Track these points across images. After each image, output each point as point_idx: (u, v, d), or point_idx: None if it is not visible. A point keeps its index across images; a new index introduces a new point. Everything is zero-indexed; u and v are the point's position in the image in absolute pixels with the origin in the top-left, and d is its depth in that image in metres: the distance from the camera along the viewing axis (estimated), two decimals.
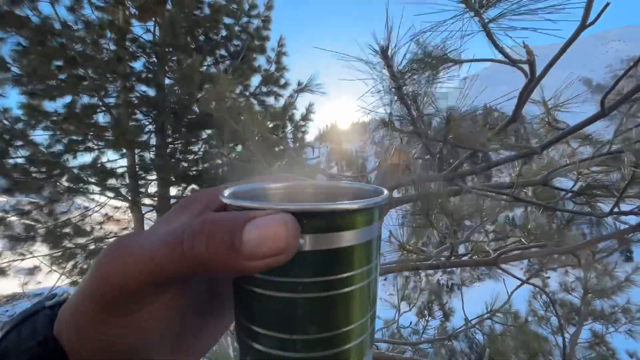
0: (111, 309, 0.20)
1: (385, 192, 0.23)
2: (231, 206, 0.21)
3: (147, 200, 5.77)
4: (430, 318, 4.27)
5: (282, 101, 6.11)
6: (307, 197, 0.29)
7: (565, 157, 1.71)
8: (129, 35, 5.14)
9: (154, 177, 5.69)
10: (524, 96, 0.91)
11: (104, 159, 5.47)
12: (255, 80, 6.19)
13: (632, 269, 3.71)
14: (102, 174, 5.21)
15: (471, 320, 2.65)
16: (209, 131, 5.44)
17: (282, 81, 6.10)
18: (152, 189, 5.76)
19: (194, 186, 5.74)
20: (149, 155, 5.66)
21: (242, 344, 0.22)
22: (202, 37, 5.87)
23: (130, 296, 0.20)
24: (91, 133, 5.13)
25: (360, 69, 0.88)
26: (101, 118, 5.18)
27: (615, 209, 1.10)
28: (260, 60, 6.01)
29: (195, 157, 5.67)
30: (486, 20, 0.73)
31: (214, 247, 0.18)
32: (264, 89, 6.16)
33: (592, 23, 0.78)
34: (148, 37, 5.42)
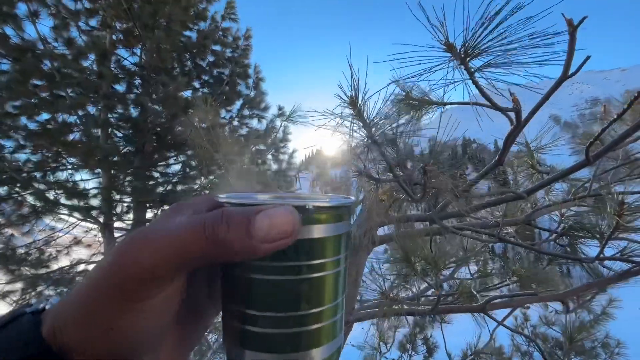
0: (133, 291, 0.21)
1: (353, 198, 0.28)
2: (231, 204, 0.24)
3: (120, 224, 5.47)
4: (413, 353, 4.11)
5: (264, 123, 6.18)
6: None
7: (545, 197, 1.73)
8: (114, 58, 5.10)
9: (130, 199, 5.45)
10: (509, 141, 0.90)
11: (77, 178, 5.22)
12: (239, 104, 6.30)
13: (607, 301, 3.75)
14: (73, 194, 4.93)
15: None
16: (190, 153, 5.34)
17: (263, 105, 6.22)
18: (126, 211, 5.47)
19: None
20: (127, 176, 5.44)
21: (233, 331, 0.24)
22: (189, 62, 5.92)
23: (152, 280, 0.21)
24: (64, 151, 4.91)
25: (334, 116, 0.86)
26: (77, 136, 4.99)
27: (601, 255, 1.09)
28: (241, 86, 6.15)
29: (174, 180, 5.50)
30: (472, 70, 0.72)
31: (233, 232, 0.21)
32: (247, 112, 6.20)
33: (574, 74, 0.79)
34: (134, 59, 5.40)
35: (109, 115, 5.08)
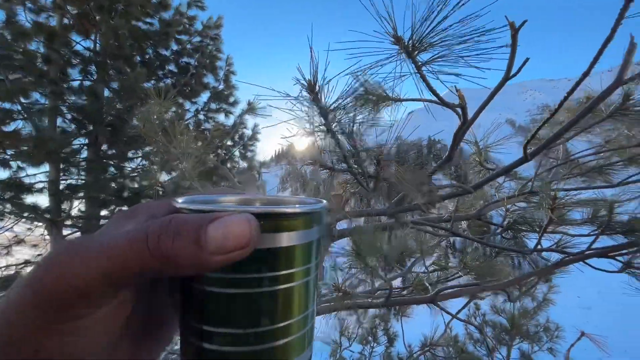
0: (61, 313, 0.19)
1: (325, 202, 0.26)
2: (187, 210, 0.22)
3: (70, 221, 5.05)
4: (375, 344, 4.22)
5: (232, 118, 6.00)
6: (254, 206, 0.32)
7: (496, 193, 1.84)
8: (65, 42, 4.68)
9: (81, 195, 5.05)
10: (458, 137, 0.94)
11: (21, 173, 4.74)
12: (206, 96, 6.07)
13: (547, 288, 4.10)
14: (17, 188, 4.47)
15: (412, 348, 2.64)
16: (150, 148, 5.05)
17: (232, 99, 6.03)
18: (77, 208, 5.07)
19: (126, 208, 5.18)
20: (78, 170, 5.04)
21: (190, 347, 0.22)
22: (150, 51, 5.59)
23: (85, 298, 0.19)
24: (6, 142, 4.43)
25: (291, 103, 0.84)
26: (20, 126, 4.52)
27: (538, 246, 1.18)
28: (210, 78, 5.91)
29: (132, 175, 5.18)
30: (419, 63, 0.74)
31: (180, 243, 0.19)
32: (214, 106, 5.99)
33: (515, 75, 0.84)
34: (89, 44, 4.99)
35: (58, 104, 4.66)
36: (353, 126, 0.85)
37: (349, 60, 0.73)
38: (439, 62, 0.73)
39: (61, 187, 4.80)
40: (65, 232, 5.01)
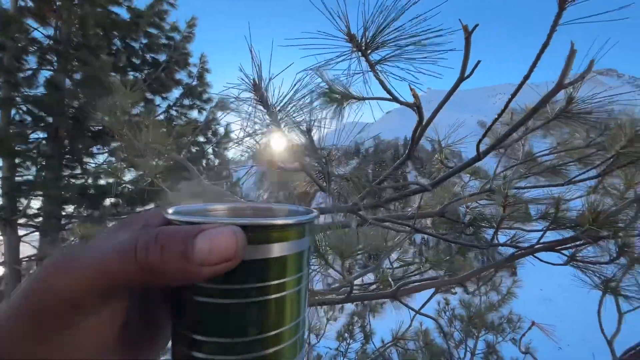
0: (51, 323, 0.19)
1: (315, 211, 0.26)
2: (177, 222, 0.22)
3: (26, 220, 4.71)
4: (351, 341, 4.27)
5: (205, 115, 5.86)
6: (244, 216, 0.31)
7: (461, 191, 1.91)
8: (22, 28, 4.34)
9: (40, 193, 4.72)
10: (417, 136, 0.97)
11: None
12: (179, 92, 5.89)
13: (511, 282, 4.34)
14: None
15: (381, 346, 2.70)
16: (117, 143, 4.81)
17: (206, 96, 5.88)
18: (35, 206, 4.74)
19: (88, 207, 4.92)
20: (36, 166, 4.71)
21: (180, 355, 0.22)
22: (118, 42, 5.32)
23: (73, 308, 0.19)
24: None
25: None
26: None
27: (494, 241, 1.23)
28: (182, 75, 5.74)
29: (97, 172, 4.91)
30: (372, 62, 0.75)
31: (168, 256, 0.19)
32: (187, 102, 5.81)
33: (469, 76, 0.87)
34: (49, 32, 4.67)
35: (12, 94, 4.33)
36: (311, 124, 0.84)
37: (305, 59, 0.73)
38: (392, 61, 0.74)
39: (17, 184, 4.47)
40: (21, 232, 4.68)
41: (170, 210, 0.24)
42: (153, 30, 5.32)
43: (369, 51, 0.73)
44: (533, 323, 2.15)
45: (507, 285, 4.46)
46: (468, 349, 4.35)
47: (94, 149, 5.21)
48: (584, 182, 1.52)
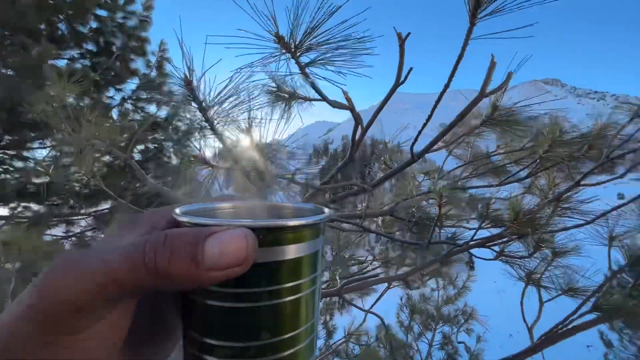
0: (56, 327, 0.19)
1: (326, 210, 0.25)
2: (186, 223, 0.22)
3: None
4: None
5: (166, 110, 5.54)
6: (255, 216, 0.31)
7: (414, 190, 2.00)
8: None
9: None
10: (357, 139, 0.99)
11: None
12: (134, 83, 5.51)
13: (467, 277, 4.64)
14: None
15: (333, 343, 2.76)
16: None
17: (166, 88, 5.57)
18: None
19: (33, 205, 4.50)
20: None
21: (191, 358, 0.22)
22: (63, 25, 4.88)
23: (79, 312, 0.19)
24: None
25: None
26: None
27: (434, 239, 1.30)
28: (140, 64, 5.37)
29: (38, 167, 4.48)
30: (303, 64, 0.76)
31: (176, 260, 0.19)
32: (145, 95, 5.47)
33: (403, 82, 0.91)
34: None
35: None
36: (250, 122, 0.83)
37: (240, 58, 0.71)
38: (321, 64, 0.75)
39: None
40: None
41: (178, 211, 0.23)
42: (103, 13, 4.94)
43: (298, 53, 0.74)
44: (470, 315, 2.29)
45: (463, 280, 4.75)
46: (427, 341, 4.57)
47: (37, 143, 4.76)
48: (519, 182, 1.65)
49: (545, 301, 1.22)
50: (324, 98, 0.82)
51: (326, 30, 0.68)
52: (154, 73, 5.70)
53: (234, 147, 0.82)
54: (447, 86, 0.76)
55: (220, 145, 0.85)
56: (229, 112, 0.80)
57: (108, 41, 5.29)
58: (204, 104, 0.80)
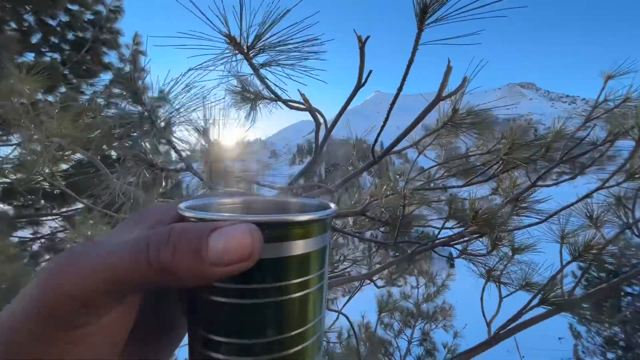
0: (61, 322, 0.18)
1: (333, 205, 0.25)
2: (191, 218, 0.21)
3: None
4: None
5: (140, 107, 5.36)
6: (258, 210, 0.30)
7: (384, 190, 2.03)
8: None
9: None
10: (321, 140, 1.00)
11: None
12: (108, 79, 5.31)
13: (446, 275, 4.76)
14: None
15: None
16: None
17: (140, 83, 5.36)
18: None
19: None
20: None
21: (197, 356, 0.22)
22: (31, 18, 4.65)
23: (84, 307, 0.18)
24: None
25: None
26: None
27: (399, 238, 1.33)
28: (113, 57, 5.17)
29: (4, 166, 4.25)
30: (257, 65, 0.76)
31: (180, 255, 0.18)
32: (117, 90, 5.26)
33: (364, 84, 0.92)
34: None
35: None
36: (207, 122, 0.82)
37: (193, 59, 0.70)
38: (276, 65, 0.75)
39: None
40: None
41: (183, 205, 0.23)
42: (74, 7, 4.74)
43: (251, 54, 0.74)
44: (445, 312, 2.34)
45: (442, 278, 4.87)
46: (406, 338, 4.66)
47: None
48: (485, 182, 1.71)
49: (505, 296, 1.28)
50: (279, 99, 0.82)
51: (279, 32, 0.68)
52: (127, 67, 5.50)
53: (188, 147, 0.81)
54: (400, 89, 0.78)
55: (168, 146, 0.84)
56: (179, 111, 0.78)
57: (80, 35, 5.07)
58: (146, 101, 0.78)
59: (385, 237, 1.77)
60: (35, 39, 4.71)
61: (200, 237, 0.19)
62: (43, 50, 4.90)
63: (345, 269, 1.71)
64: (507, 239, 1.20)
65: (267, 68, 0.75)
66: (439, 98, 0.86)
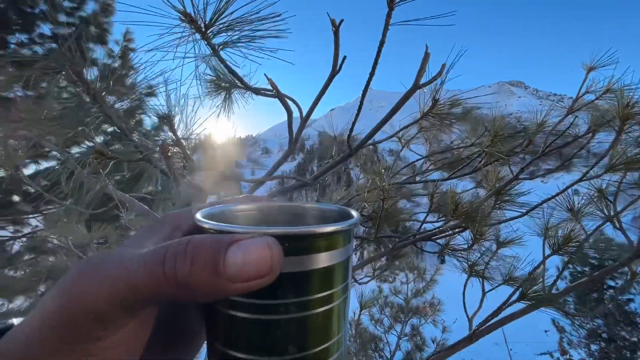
0: (77, 335, 0.18)
1: (355, 212, 0.25)
2: (208, 229, 0.21)
3: None
4: None
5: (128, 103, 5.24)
6: (277, 218, 0.29)
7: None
8: None
9: None
10: (297, 130, 0.95)
11: None
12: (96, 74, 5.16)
13: (435, 270, 4.80)
14: None
15: None
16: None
17: (130, 81, 5.24)
18: None
19: None
20: None
21: None
22: (8, 8, 4.48)
23: (99, 321, 0.18)
24: None
25: None
26: None
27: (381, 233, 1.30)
28: (100, 53, 5.04)
29: None
30: (215, 45, 0.71)
31: (197, 269, 0.18)
32: (103, 85, 5.13)
33: (338, 72, 0.88)
34: None
35: None
36: (172, 110, 0.77)
37: (150, 38, 0.65)
38: (235, 46, 0.71)
39: None
40: None
41: (199, 215, 0.22)
42: None
43: (210, 34, 0.69)
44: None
45: (431, 273, 4.91)
46: (396, 334, 4.69)
47: None
48: (470, 177, 1.69)
49: (488, 291, 1.26)
50: (243, 84, 0.77)
51: (239, 8, 0.64)
52: (116, 64, 5.37)
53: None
54: (372, 74, 0.74)
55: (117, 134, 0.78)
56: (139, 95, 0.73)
57: (67, 25, 4.91)
58: (92, 84, 0.73)
59: (368, 233, 1.74)
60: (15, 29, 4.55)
61: (218, 250, 0.18)
62: (23, 41, 4.74)
63: None
64: (492, 233, 1.18)
65: (228, 48, 0.71)
66: (416, 86, 0.83)
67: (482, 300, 1.26)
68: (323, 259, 0.20)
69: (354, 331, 4.24)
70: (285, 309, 0.19)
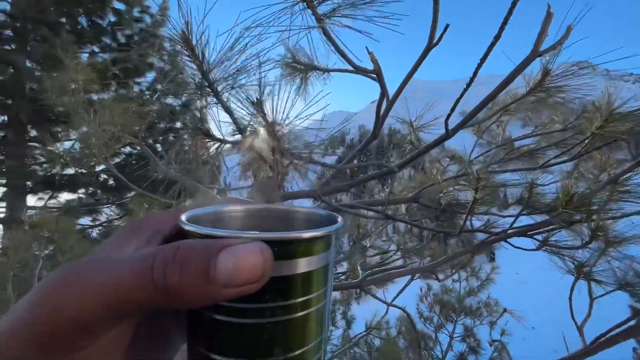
0: (55, 345, 0.18)
1: (340, 218, 0.25)
2: (194, 234, 0.21)
3: None
4: (333, 328, 4.32)
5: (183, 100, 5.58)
6: (265, 222, 0.30)
7: (438, 175, 1.85)
8: None
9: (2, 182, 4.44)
10: (383, 112, 0.87)
11: None
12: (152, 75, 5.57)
13: (490, 268, 4.47)
14: None
15: (354, 337, 2.71)
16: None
17: (179, 81, 5.57)
18: None
19: (66, 195, 4.68)
20: None
21: None
22: (84, 21, 4.96)
23: (82, 330, 0.18)
24: None
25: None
26: None
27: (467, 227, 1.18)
28: (154, 59, 5.43)
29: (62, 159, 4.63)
30: (320, 14, 0.64)
31: (188, 276, 0.18)
32: (160, 87, 5.52)
33: (437, 43, 0.78)
34: (3, 6, 4.27)
35: None
36: (262, 92, 0.73)
37: (247, 12, 0.61)
38: (343, 13, 0.64)
39: None
40: None
41: (184, 218, 0.22)
42: (121, 7, 4.96)
43: (315, 2, 0.63)
44: (505, 310, 2.18)
45: (486, 272, 4.60)
46: (447, 333, 4.47)
47: (61, 134, 4.91)
48: (558, 165, 1.48)
49: (597, 297, 1.08)
50: (347, 59, 0.71)
51: None
52: (168, 67, 5.72)
53: (246, 124, 0.73)
54: (483, 60, 0.63)
55: (226, 115, 0.76)
56: (235, 75, 0.70)
57: (128, 34, 5.33)
58: (204, 65, 0.71)
59: (441, 226, 1.61)
60: (88, 40, 5.02)
61: (208, 257, 0.18)
62: (95, 51, 5.23)
63: (397, 259, 1.59)
64: (607, 229, 1.00)
65: (334, 17, 0.64)
66: (535, 53, 0.70)
67: (590, 307, 1.08)
68: (304, 264, 0.20)
69: (403, 328, 4.12)
70: (268, 313, 0.20)
